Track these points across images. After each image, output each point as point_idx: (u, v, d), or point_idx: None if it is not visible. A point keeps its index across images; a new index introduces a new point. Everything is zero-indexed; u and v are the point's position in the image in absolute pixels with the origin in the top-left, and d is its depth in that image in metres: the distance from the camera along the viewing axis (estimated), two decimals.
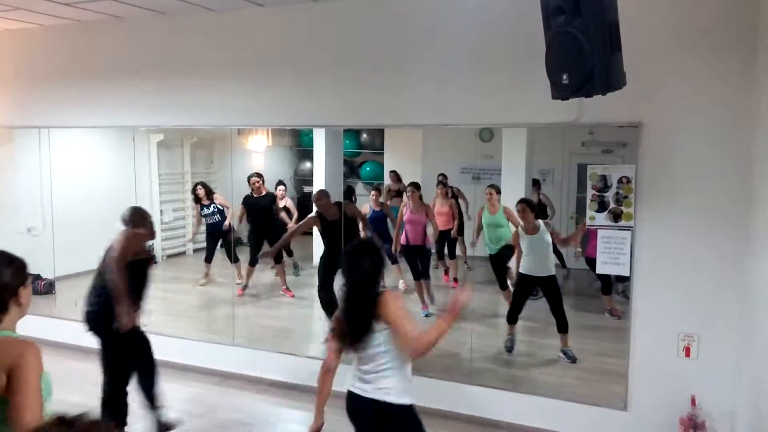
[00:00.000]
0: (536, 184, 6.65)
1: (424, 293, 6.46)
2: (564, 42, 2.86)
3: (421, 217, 6.56)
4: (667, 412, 4.00)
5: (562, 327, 5.37)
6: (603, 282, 5.94)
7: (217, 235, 7.55)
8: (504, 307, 5.84)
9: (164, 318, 6.65)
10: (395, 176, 7.71)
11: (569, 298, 5.99)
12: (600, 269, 4.31)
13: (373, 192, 7.06)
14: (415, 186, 6.69)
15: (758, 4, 3.63)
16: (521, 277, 5.55)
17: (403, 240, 6.60)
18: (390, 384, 2.77)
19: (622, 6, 2.85)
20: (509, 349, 5.59)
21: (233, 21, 5.18)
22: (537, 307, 5.76)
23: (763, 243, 3.47)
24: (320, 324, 6.07)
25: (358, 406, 2.83)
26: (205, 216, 7.56)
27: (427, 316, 6.22)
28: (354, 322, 2.77)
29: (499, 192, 6.21)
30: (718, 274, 3.91)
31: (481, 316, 6.05)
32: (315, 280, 6.06)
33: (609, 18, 2.78)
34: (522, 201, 5.55)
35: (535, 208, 5.60)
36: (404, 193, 6.99)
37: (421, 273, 6.51)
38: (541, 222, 5.51)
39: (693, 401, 3.92)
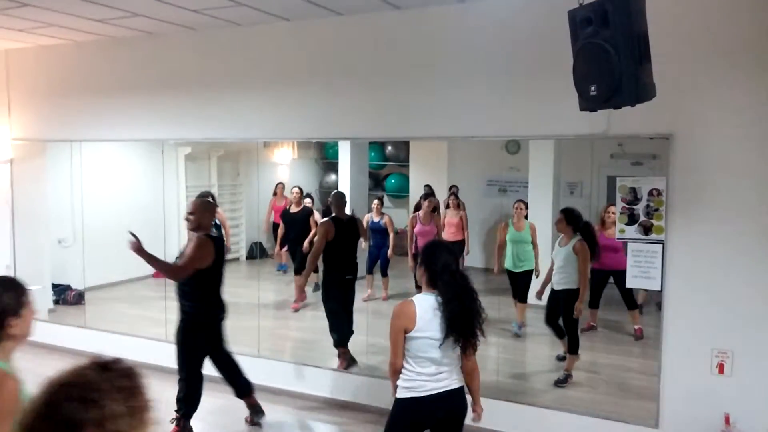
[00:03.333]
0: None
1: None
2: (592, 53, 2.83)
3: (432, 229, 6.51)
4: (700, 431, 3.88)
5: (572, 347, 5.12)
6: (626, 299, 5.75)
7: None
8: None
9: None
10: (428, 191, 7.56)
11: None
12: (630, 283, 4.24)
13: (375, 201, 7.03)
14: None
15: None
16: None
17: (413, 251, 6.46)
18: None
19: (653, 16, 2.81)
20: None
21: (259, 35, 5.25)
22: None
23: None
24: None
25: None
26: None
27: None
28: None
29: (527, 207, 5.96)
30: (753, 288, 3.80)
31: (504, 332, 5.97)
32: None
33: (638, 29, 2.75)
34: (562, 211, 5.23)
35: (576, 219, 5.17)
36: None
37: None
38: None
39: (727, 420, 3.80)
